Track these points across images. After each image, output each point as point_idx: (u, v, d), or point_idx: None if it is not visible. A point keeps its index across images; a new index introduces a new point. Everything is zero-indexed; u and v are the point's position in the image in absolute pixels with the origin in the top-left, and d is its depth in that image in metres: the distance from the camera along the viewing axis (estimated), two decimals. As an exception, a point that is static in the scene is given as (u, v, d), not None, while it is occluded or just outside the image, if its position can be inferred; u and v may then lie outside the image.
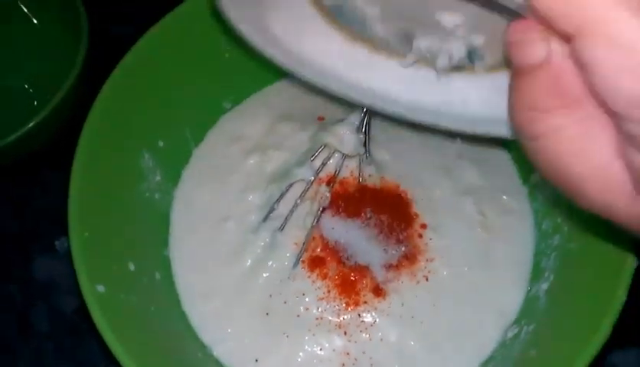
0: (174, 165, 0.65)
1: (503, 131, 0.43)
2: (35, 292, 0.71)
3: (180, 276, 0.61)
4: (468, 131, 0.47)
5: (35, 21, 0.81)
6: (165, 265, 0.60)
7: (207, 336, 0.58)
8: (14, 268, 0.72)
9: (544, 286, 0.55)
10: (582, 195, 0.31)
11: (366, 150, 0.64)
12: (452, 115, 0.48)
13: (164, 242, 0.62)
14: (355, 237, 0.61)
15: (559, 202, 0.57)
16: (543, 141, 0.31)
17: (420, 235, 0.61)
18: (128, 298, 0.51)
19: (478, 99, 0.48)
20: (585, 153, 0.30)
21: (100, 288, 0.48)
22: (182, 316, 0.58)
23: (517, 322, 0.56)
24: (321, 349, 0.56)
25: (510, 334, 0.55)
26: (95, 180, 0.53)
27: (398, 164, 0.66)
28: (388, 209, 0.62)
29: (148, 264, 0.57)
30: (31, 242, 0.74)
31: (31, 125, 0.65)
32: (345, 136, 0.62)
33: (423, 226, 0.62)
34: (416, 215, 0.62)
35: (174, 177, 0.65)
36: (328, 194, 0.61)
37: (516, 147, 0.66)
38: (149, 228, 0.60)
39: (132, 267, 0.54)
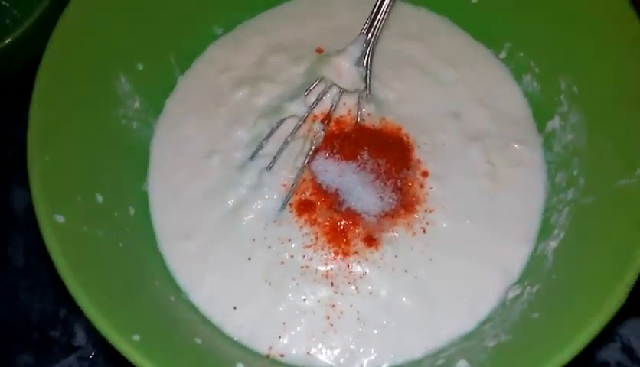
0: (156, 93, 0.60)
1: None
2: (13, 226, 0.67)
3: (157, 213, 0.56)
4: None
5: None
6: (142, 201, 0.56)
7: (182, 279, 0.53)
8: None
9: (553, 244, 0.50)
10: None
11: (367, 86, 0.57)
12: None
13: (142, 176, 0.57)
14: (349, 181, 0.55)
15: (579, 152, 0.51)
16: None
17: (421, 184, 0.56)
18: (93, 232, 0.46)
19: None
20: None
21: (59, 218, 0.43)
22: (157, 257, 0.53)
23: (520, 282, 0.51)
24: (305, 300, 0.52)
25: (511, 295, 0.50)
26: (61, 99, 0.48)
27: (402, 105, 0.60)
28: (387, 153, 0.56)
29: (121, 198, 0.52)
30: (11, 174, 0.70)
31: (7, 41, 0.61)
32: (344, 68, 0.56)
33: (425, 174, 0.56)
34: (419, 161, 0.57)
35: (155, 106, 0.60)
36: (322, 132, 0.56)
37: (533, 90, 0.59)
38: (125, 159, 0.55)
39: (99, 198, 0.49)
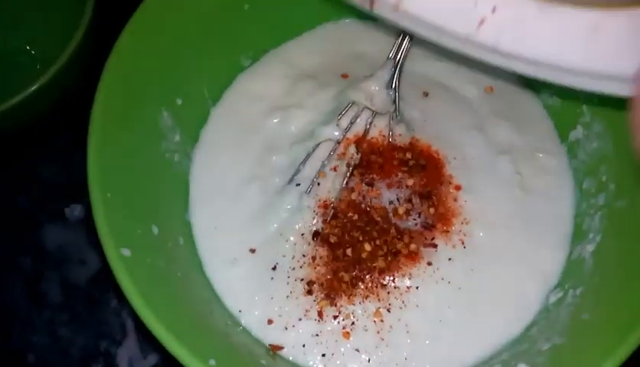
0: (193, 125, 0.62)
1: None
2: (46, 262, 0.68)
3: (201, 241, 0.58)
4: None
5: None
6: (187, 230, 0.57)
7: (233, 303, 0.55)
8: (24, 238, 0.69)
9: (590, 247, 0.52)
10: None
11: (396, 107, 0.60)
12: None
13: (184, 206, 0.59)
14: (386, 199, 0.58)
15: (606, 159, 0.54)
16: None
17: (455, 198, 0.58)
18: (155, 263, 0.48)
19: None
20: None
21: (126, 252, 0.45)
22: (207, 283, 0.55)
23: (560, 285, 0.53)
24: (354, 316, 0.53)
25: (553, 298, 0.53)
26: (114, 139, 0.50)
27: (429, 123, 0.62)
28: (420, 170, 0.59)
29: (172, 228, 0.54)
30: (40, 211, 0.71)
31: (32, 89, 0.61)
32: (374, 92, 0.59)
33: (457, 188, 0.59)
34: (450, 176, 0.59)
35: (193, 137, 0.62)
36: (357, 155, 0.58)
37: (553, 102, 0.62)
38: (170, 190, 0.57)
39: (155, 230, 0.51)
